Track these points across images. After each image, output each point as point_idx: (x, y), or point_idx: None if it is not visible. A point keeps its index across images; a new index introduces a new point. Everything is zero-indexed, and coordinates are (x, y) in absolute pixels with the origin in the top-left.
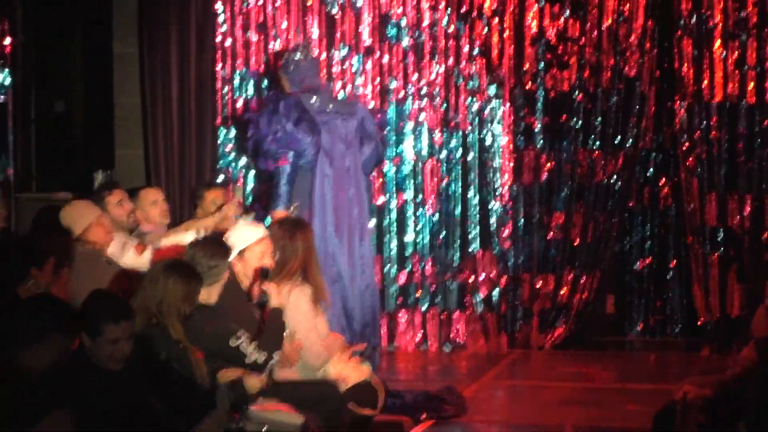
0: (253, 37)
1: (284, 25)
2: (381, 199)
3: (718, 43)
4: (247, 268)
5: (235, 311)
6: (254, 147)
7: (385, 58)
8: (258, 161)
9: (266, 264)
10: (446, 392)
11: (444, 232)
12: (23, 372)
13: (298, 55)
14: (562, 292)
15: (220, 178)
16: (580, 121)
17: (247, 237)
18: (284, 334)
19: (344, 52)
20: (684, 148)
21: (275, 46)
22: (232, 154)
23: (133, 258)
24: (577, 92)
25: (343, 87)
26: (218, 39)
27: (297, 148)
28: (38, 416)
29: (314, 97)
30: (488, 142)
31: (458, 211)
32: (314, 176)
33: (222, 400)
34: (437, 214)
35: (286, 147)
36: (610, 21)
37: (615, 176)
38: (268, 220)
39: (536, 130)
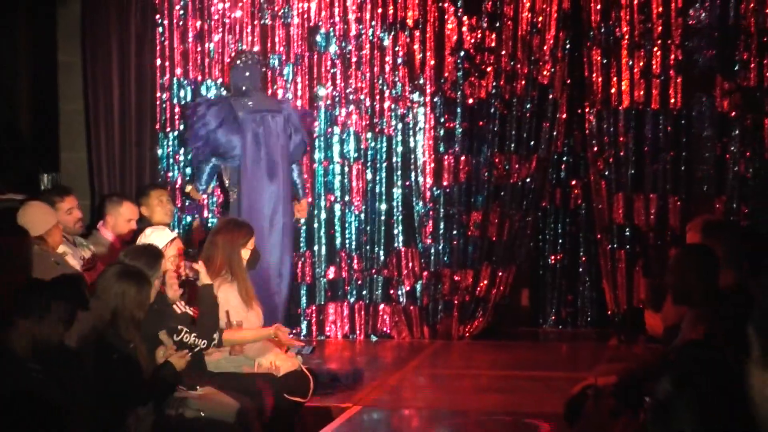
0: (191, 47)
1: (218, 36)
2: (310, 200)
3: (625, 52)
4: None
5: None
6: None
7: (315, 67)
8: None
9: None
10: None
11: (370, 230)
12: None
13: (243, 58)
14: (480, 286)
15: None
16: (497, 127)
17: (159, 241)
18: (218, 308)
19: (277, 60)
20: (593, 152)
21: (212, 55)
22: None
23: None
24: (493, 99)
25: (276, 92)
26: (157, 48)
27: (224, 151)
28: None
29: (250, 101)
30: (411, 145)
31: (383, 210)
32: (245, 165)
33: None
34: (364, 214)
35: (213, 150)
36: (524, 32)
37: (529, 178)
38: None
39: (456, 134)
